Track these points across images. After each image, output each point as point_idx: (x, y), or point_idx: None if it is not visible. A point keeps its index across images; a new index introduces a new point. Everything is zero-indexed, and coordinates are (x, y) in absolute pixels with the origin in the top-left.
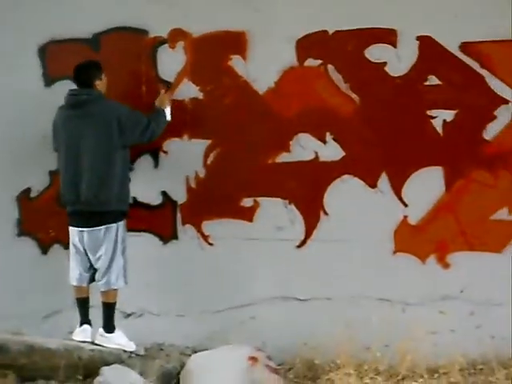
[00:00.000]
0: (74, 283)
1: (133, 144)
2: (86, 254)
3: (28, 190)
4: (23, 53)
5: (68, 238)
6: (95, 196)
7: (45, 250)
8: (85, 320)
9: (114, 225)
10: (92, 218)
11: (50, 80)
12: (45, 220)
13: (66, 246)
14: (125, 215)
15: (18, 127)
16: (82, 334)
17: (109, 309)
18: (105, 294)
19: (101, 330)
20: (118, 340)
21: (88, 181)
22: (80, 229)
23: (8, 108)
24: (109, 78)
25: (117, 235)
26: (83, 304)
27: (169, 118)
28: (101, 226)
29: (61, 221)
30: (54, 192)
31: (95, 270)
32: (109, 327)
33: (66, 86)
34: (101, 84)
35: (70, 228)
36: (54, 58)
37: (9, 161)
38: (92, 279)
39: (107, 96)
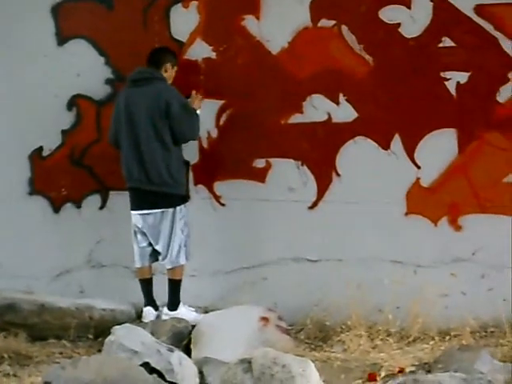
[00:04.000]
0: (137, 265)
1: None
2: (146, 235)
3: (40, 149)
4: (36, 12)
5: (80, 197)
6: (159, 175)
7: (57, 209)
8: (149, 301)
9: (172, 208)
10: (153, 199)
11: (62, 39)
12: (57, 179)
13: (78, 205)
14: (184, 200)
15: (31, 86)
16: (146, 315)
17: (174, 286)
18: (170, 272)
19: (165, 309)
20: (184, 316)
21: (151, 160)
22: (140, 212)
23: (21, 67)
24: (121, 38)
25: (174, 215)
26: (146, 285)
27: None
28: (159, 208)
29: (73, 180)
30: (66, 151)
31: (156, 250)
32: (174, 304)
33: (79, 45)
34: (168, 73)
35: (132, 212)
36: (67, 17)
37: (21, 120)
38: (155, 259)
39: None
